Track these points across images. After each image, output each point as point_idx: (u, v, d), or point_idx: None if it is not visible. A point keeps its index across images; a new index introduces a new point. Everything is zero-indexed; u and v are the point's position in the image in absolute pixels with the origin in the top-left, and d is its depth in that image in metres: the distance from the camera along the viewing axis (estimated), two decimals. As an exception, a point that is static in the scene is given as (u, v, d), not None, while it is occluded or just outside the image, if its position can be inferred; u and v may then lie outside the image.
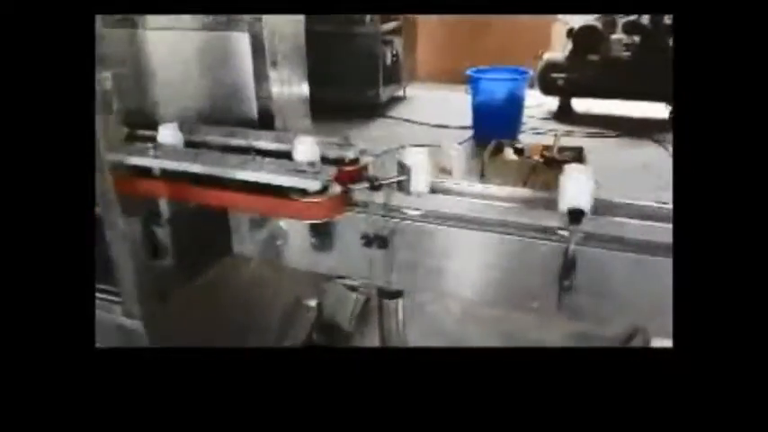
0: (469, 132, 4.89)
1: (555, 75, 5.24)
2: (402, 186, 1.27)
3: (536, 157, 3.34)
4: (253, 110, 1.69)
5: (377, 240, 1.30)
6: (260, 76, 1.62)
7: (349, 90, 5.60)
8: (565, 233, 1.13)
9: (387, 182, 1.27)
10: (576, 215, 1.12)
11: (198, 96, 1.70)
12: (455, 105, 5.41)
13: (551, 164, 3.14)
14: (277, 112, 1.66)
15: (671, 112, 4.98)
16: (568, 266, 1.15)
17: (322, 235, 1.38)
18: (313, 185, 1.26)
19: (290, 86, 1.72)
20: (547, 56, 5.39)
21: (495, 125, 4.59)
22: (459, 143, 4.41)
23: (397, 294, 1.47)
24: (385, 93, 5.73)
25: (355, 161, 1.43)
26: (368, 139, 4.93)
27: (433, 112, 5.63)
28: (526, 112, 5.22)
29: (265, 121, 1.67)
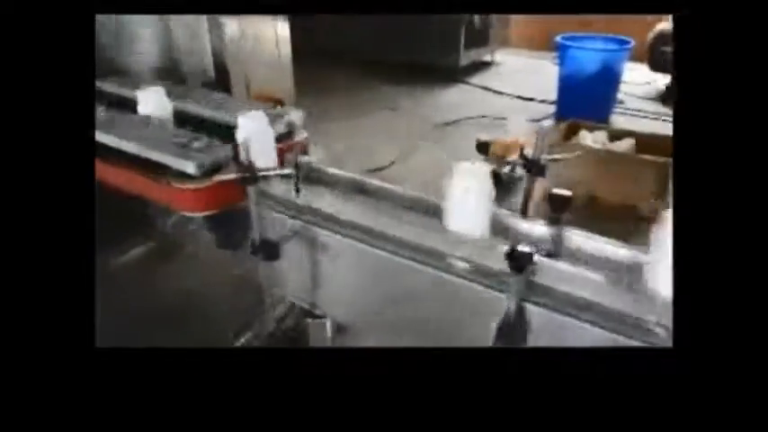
0: (553, 108, 4.32)
1: (667, 48, 4.45)
2: (298, 183, 0.94)
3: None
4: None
5: (264, 248, 0.98)
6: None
7: (427, 52, 5.19)
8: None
9: (267, 173, 0.94)
10: (517, 259, 0.74)
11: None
12: (548, 76, 4.85)
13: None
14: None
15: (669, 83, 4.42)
16: (509, 325, 0.78)
17: (218, 230, 1.09)
18: (187, 167, 0.97)
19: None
20: (660, 26, 4.60)
21: (582, 102, 4.01)
22: (535, 120, 3.88)
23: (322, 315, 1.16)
24: (467, 57, 5.23)
25: (287, 135, 1.13)
26: (436, 107, 4.58)
27: (521, 81, 5.15)
28: (627, 89, 4.52)
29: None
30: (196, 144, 0.97)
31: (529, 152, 0.98)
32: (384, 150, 3.70)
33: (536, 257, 0.76)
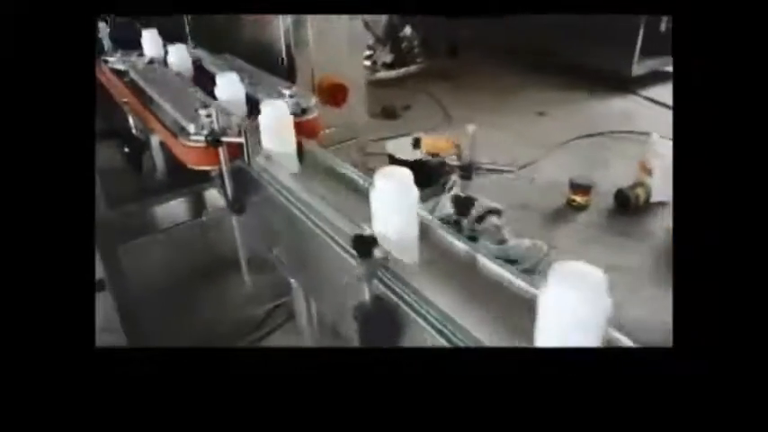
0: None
1: None
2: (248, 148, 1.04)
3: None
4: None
5: (235, 203, 1.11)
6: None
7: (597, 55, 4.82)
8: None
9: (228, 140, 1.05)
10: (361, 243, 0.76)
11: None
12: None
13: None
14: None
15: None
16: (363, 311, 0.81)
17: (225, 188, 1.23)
18: (191, 129, 1.14)
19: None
20: None
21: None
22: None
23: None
24: (644, 65, 4.73)
25: (303, 112, 1.25)
26: (590, 117, 4.27)
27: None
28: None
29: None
30: (204, 111, 1.13)
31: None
32: (509, 153, 3.61)
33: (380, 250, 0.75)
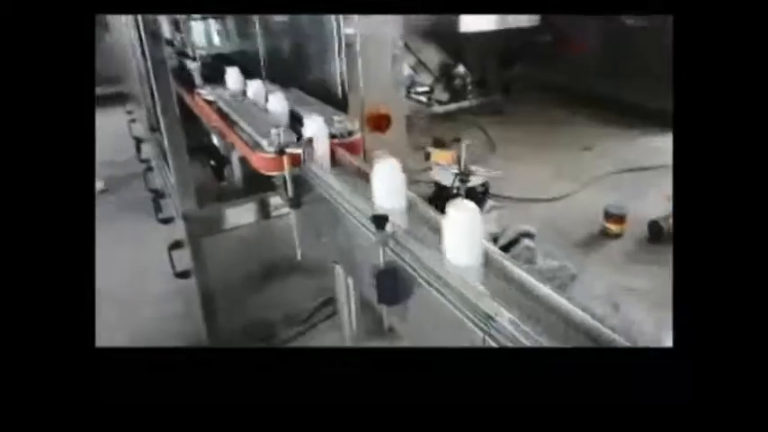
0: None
1: None
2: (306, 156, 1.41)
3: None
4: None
5: (293, 200, 1.47)
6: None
7: (641, 90, 4.91)
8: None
9: (291, 151, 1.42)
10: (379, 221, 1.08)
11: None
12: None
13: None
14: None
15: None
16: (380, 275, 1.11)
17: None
18: (265, 143, 1.53)
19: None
20: None
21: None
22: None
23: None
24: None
25: (349, 134, 1.62)
26: (635, 152, 4.40)
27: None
28: None
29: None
30: (275, 130, 1.51)
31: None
32: (554, 186, 3.83)
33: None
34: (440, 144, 4.71)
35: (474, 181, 3.23)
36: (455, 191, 1.94)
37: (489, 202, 3.11)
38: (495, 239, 2.79)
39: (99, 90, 4.75)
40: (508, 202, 3.63)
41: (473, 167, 2.69)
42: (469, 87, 5.32)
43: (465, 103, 5.33)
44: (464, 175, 1.49)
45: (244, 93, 2.11)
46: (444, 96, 5.34)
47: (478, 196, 3.20)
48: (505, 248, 2.79)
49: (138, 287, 2.87)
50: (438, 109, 5.32)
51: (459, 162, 1.50)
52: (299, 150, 1.44)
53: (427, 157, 3.71)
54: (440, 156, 3.60)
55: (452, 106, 5.31)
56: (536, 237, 2.94)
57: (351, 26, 1.97)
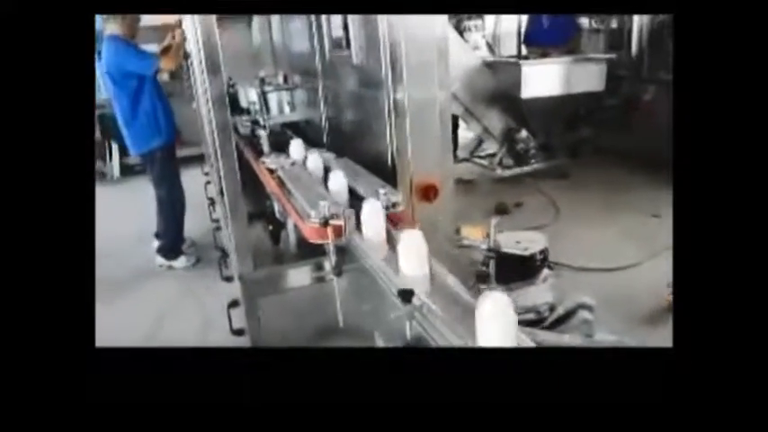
0: None
1: None
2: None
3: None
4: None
5: (336, 268, 1.55)
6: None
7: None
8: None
9: (335, 222, 1.50)
10: (404, 294, 1.14)
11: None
12: None
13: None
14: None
15: None
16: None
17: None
18: (312, 214, 1.63)
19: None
20: None
21: None
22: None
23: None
24: None
25: (393, 206, 1.70)
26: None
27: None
28: None
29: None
30: (322, 203, 1.62)
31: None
32: (620, 254, 3.70)
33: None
34: (502, 209, 4.69)
35: (532, 248, 3.19)
36: (483, 268, 1.95)
37: (545, 271, 3.03)
38: (551, 309, 2.72)
39: (186, 152, 5.17)
40: (568, 271, 3.52)
41: (524, 234, 2.68)
42: (533, 152, 5.31)
43: (528, 168, 5.31)
44: (493, 252, 1.51)
45: (304, 162, 2.26)
46: (509, 161, 5.37)
47: (536, 264, 3.14)
48: (562, 320, 2.72)
49: (200, 339, 3.01)
50: (502, 173, 5.34)
51: (489, 238, 1.50)
52: (341, 222, 1.53)
53: (457, 231, 3.70)
54: (470, 231, 3.59)
55: (516, 170, 5.31)
56: (595, 309, 2.84)
57: (400, 90, 1.98)
